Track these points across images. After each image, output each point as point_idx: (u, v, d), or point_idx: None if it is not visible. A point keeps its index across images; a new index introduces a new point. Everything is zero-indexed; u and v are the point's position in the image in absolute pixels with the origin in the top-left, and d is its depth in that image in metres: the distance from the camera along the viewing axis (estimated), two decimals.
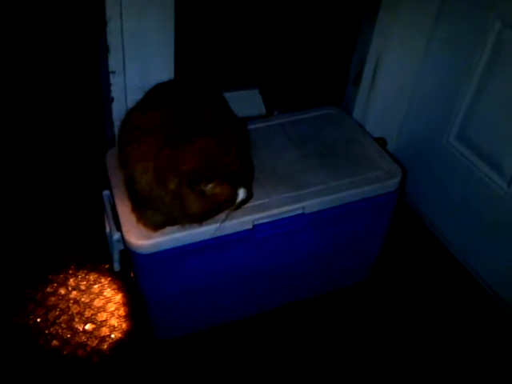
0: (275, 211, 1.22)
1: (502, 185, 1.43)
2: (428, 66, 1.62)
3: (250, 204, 1.21)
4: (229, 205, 1.11)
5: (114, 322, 1.40)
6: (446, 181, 1.63)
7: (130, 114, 1.19)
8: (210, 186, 1.05)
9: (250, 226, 1.20)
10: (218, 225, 1.15)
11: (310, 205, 1.24)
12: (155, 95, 1.24)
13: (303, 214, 1.24)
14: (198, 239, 1.17)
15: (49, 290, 1.46)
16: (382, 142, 1.63)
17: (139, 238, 1.14)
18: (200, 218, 1.12)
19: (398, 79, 1.65)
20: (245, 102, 1.44)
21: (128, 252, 1.23)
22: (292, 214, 1.24)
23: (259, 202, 1.22)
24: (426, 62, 1.62)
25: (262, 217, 1.21)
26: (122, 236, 1.20)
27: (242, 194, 1.10)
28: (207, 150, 1.07)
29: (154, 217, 1.15)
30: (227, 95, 1.32)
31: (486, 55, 1.42)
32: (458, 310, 1.50)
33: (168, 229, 1.15)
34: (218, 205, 1.09)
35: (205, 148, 1.07)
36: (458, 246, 1.64)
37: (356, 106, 1.69)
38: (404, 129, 1.78)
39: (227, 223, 1.17)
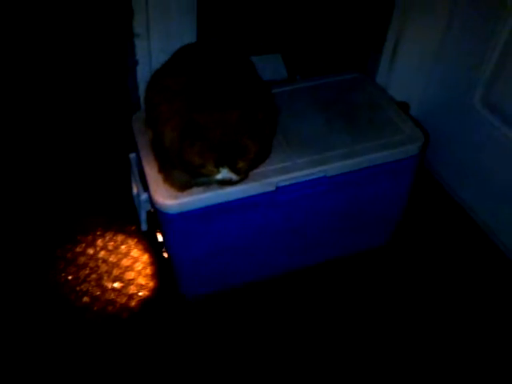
0: (298, 174, 1.24)
1: None
2: (452, 30, 1.60)
3: (273, 166, 1.24)
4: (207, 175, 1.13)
5: (141, 280, 1.46)
6: (469, 146, 1.63)
7: (158, 75, 1.22)
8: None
9: (273, 188, 1.23)
10: (242, 186, 1.18)
11: (332, 168, 1.26)
12: (183, 57, 1.26)
13: (325, 176, 1.26)
14: (223, 200, 1.20)
15: (78, 249, 1.51)
16: (405, 106, 1.63)
17: (166, 198, 1.18)
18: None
19: (421, 43, 1.63)
20: (267, 67, 1.45)
21: (155, 212, 1.27)
22: (314, 176, 1.25)
23: (282, 164, 1.24)
24: (449, 25, 1.60)
25: (284, 179, 1.23)
26: (150, 196, 1.24)
27: (223, 174, 1.12)
28: (227, 121, 1.08)
29: (180, 177, 1.18)
30: (251, 59, 1.33)
31: None
32: (478, 275, 1.52)
33: (194, 189, 1.18)
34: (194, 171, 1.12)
35: (225, 118, 1.08)
36: (479, 211, 1.64)
37: (379, 70, 1.68)
38: (427, 93, 1.76)
39: (251, 185, 1.20)
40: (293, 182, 1.24)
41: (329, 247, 1.48)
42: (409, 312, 1.42)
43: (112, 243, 1.54)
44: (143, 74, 1.41)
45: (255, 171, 1.21)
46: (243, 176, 1.16)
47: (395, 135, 1.33)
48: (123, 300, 1.41)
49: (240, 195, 1.21)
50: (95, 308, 1.39)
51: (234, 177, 1.13)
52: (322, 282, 1.47)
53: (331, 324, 1.39)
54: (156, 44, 1.37)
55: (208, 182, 1.18)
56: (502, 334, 1.39)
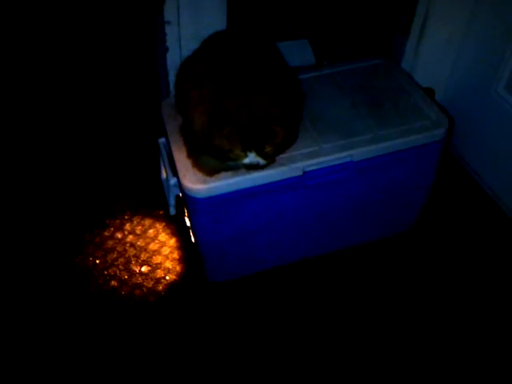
0: (324, 158, 1.25)
1: None
2: (478, 17, 1.59)
3: (299, 151, 1.25)
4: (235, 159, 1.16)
5: (168, 264, 1.48)
6: (494, 132, 1.62)
7: (189, 61, 1.24)
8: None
9: (301, 173, 1.24)
10: (269, 171, 1.20)
11: (359, 153, 1.27)
12: (214, 44, 1.28)
13: (351, 161, 1.27)
14: (250, 184, 1.22)
15: (106, 233, 1.54)
16: (430, 91, 1.62)
17: (195, 183, 1.20)
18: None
19: (447, 29, 1.63)
20: (295, 53, 1.46)
21: (184, 197, 1.29)
22: (341, 161, 1.26)
23: (309, 149, 1.26)
24: (475, 11, 1.60)
25: (311, 164, 1.24)
26: (179, 181, 1.25)
27: (250, 158, 1.14)
28: (255, 106, 1.10)
29: (209, 162, 1.20)
30: (278, 45, 1.34)
31: None
32: (501, 261, 1.52)
33: (222, 174, 1.20)
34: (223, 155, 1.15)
35: (253, 103, 1.10)
36: (504, 197, 1.64)
37: (405, 56, 1.68)
38: (453, 79, 1.76)
39: (278, 169, 1.21)
40: (319, 166, 1.25)
41: (354, 233, 1.49)
42: (433, 299, 1.43)
43: (140, 227, 1.56)
44: (173, 60, 1.42)
45: (282, 156, 1.23)
46: (270, 160, 1.18)
47: (420, 120, 1.33)
48: (150, 284, 1.44)
49: (267, 180, 1.22)
50: (123, 292, 1.41)
51: (261, 161, 1.15)
52: (346, 268, 1.48)
53: (357, 309, 1.40)
54: (186, 31, 1.38)
55: (236, 167, 1.19)
56: None
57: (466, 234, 1.58)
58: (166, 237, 1.54)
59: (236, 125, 1.09)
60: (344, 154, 1.26)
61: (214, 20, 1.39)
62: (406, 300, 1.42)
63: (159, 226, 1.57)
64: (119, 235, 1.54)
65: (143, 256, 1.49)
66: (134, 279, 1.44)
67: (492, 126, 1.63)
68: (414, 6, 1.58)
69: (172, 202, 1.43)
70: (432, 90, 1.67)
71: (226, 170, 1.20)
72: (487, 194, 1.68)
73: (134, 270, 1.46)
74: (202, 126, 1.16)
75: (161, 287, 1.43)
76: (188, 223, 1.45)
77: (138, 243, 1.52)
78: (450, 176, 1.73)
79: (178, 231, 1.55)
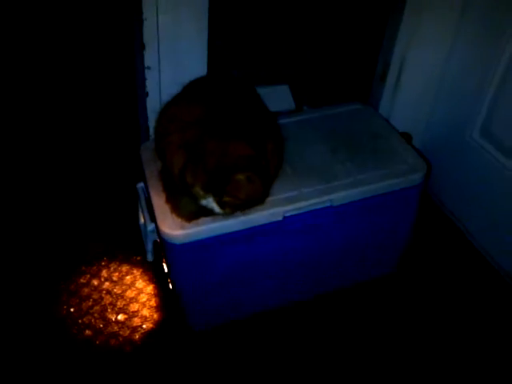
0: (304, 203, 1.25)
1: None
2: (452, 64, 1.65)
3: (279, 196, 1.25)
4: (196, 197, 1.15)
5: (145, 312, 1.44)
6: (470, 175, 1.65)
7: (170, 106, 1.24)
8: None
9: (280, 218, 1.23)
10: (249, 216, 1.19)
11: (338, 197, 1.27)
12: (194, 89, 1.28)
13: (331, 206, 1.27)
14: (230, 230, 1.20)
15: (82, 280, 1.50)
16: (407, 136, 1.65)
17: (173, 228, 1.18)
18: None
19: (423, 76, 1.68)
20: (275, 98, 1.48)
21: (162, 243, 1.27)
22: (321, 206, 1.26)
23: (289, 194, 1.25)
24: (450, 59, 1.65)
25: (291, 209, 1.24)
26: (157, 226, 1.24)
27: (207, 201, 1.14)
28: (228, 153, 1.10)
29: (188, 207, 1.19)
30: (259, 90, 1.36)
31: (507, 54, 1.44)
32: (481, 302, 1.52)
33: (201, 219, 1.18)
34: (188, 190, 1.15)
35: (226, 149, 1.10)
36: (481, 239, 1.65)
37: (382, 101, 1.71)
38: (429, 124, 1.80)
39: (258, 214, 1.20)
40: (300, 211, 1.25)
41: (335, 276, 1.48)
42: (414, 340, 1.41)
43: (117, 274, 1.52)
44: (153, 105, 1.43)
45: None
46: (228, 211, 1.16)
47: (398, 165, 1.35)
48: (127, 333, 1.39)
49: (247, 225, 1.21)
50: (97, 342, 1.36)
51: (216, 208, 1.14)
52: (329, 312, 1.46)
53: (338, 354, 1.37)
54: (166, 76, 1.40)
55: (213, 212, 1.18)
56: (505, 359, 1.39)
57: (444, 274, 1.59)
58: (144, 283, 1.51)
59: (204, 164, 1.09)
60: (324, 198, 1.26)
61: (195, 66, 1.40)
62: (388, 342, 1.41)
63: (136, 272, 1.53)
64: (95, 282, 1.50)
65: (120, 304, 1.45)
66: (109, 328, 1.40)
67: (468, 171, 1.65)
68: (391, 54, 1.62)
69: (150, 248, 1.41)
70: (409, 135, 1.69)
71: (206, 215, 1.19)
72: (465, 235, 1.70)
73: (109, 319, 1.42)
74: (180, 168, 1.15)
75: (137, 336, 1.39)
76: (166, 269, 1.42)
77: (115, 290, 1.48)
78: (429, 219, 1.74)
79: (156, 278, 1.52)
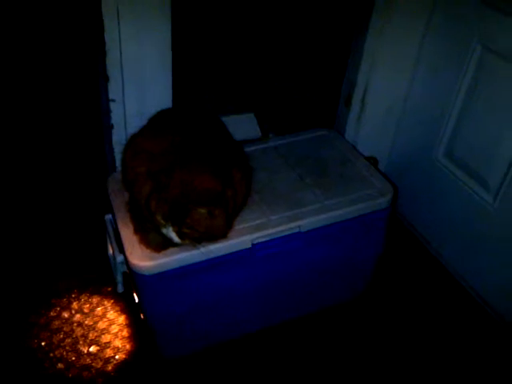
0: (273, 230, 1.26)
1: (488, 199, 1.49)
2: (415, 87, 1.69)
3: (248, 224, 1.26)
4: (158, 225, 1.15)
5: (117, 343, 1.43)
6: (436, 197, 1.68)
7: (137, 138, 1.25)
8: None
9: (249, 246, 1.24)
10: (217, 245, 1.19)
11: (306, 223, 1.29)
12: (160, 121, 1.30)
13: (300, 232, 1.28)
14: (199, 259, 1.20)
15: (52, 313, 1.48)
16: (373, 161, 1.68)
17: (142, 260, 1.18)
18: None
19: (386, 101, 1.71)
20: (241, 126, 1.49)
21: (131, 273, 1.27)
22: (289, 232, 1.28)
23: (257, 221, 1.27)
24: (413, 83, 1.69)
25: (260, 236, 1.25)
26: (125, 258, 1.23)
27: (167, 230, 1.14)
28: (190, 185, 1.10)
29: (156, 238, 1.19)
30: (224, 119, 1.37)
31: (469, 76, 1.49)
32: (450, 321, 1.54)
33: (170, 250, 1.19)
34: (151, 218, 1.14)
35: (190, 182, 1.11)
36: (449, 259, 1.68)
37: (348, 126, 1.74)
38: (394, 148, 1.83)
39: (227, 243, 1.21)
40: (268, 238, 1.26)
41: (305, 301, 1.49)
42: (384, 362, 1.42)
43: (87, 305, 1.51)
44: (119, 137, 1.43)
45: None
46: (188, 243, 1.16)
47: (365, 189, 1.37)
48: (99, 364, 1.38)
49: (216, 254, 1.21)
50: (70, 375, 1.35)
51: (175, 238, 1.14)
52: (298, 337, 1.47)
53: (311, 378, 1.38)
54: (131, 109, 1.40)
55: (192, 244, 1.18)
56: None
57: (414, 297, 1.60)
58: (115, 314, 1.50)
59: (167, 193, 1.09)
60: (292, 224, 1.27)
61: (160, 97, 1.41)
62: (358, 365, 1.41)
63: (107, 303, 1.52)
64: (66, 314, 1.48)
65: (91, 335, 1.44)
66: (81, 360, 1.38)
67: (434, 191, 1.68)
68: (355, 79, 1.65)
69: (119, 279, 1.40)
70: (375, 159, 1.72)
71: (174, 245, 1.19)
72: (433, 256, 1.72)
73: (81, 351, 1.40)
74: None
75: (110, 367, 1.37)
76: (137, 300, 1.41)
77: (86, 322, 1.47)
78: (397, 241, 1.76)
79: (127, 308, 1.51)
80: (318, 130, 1.56)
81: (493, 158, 1.45)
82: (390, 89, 1.69)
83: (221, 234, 1.19)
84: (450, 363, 1.43)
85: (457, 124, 1.55)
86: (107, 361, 1.39)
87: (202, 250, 1.18)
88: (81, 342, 1.42)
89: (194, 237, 1.14)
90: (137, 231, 1.23)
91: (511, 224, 1.44)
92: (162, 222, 1.12)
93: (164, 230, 1.14)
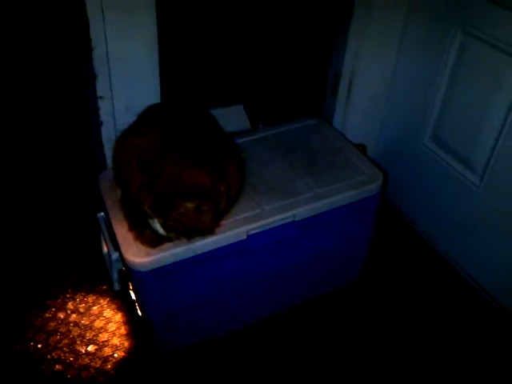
0: (267, 221, 1.26)
1: (475, 180, 1.51)
2: (399, 74, 1.70)
3: (242, 215, 1.27)
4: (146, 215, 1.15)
5: (115, 341, 1.42)
6: (424, 181, 1.71)
7: (128, 134, 1.24)
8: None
9: (245, 237, 1.25)
10: (213, 237, 1.19)
11: (300, 212, 1.29)
12: (151, 116, 1.29)
13: (294, 221, 1.29)
14: (194, 253, 1.20)
15: (47, 315, 1.47)
16: (362, 148, 1.69)
17: (138, 256, 1.17)
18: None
19: (372, 88, 1.73)
20: (230, 118, 1.49)
21: (127, 271, 1.26)
22: (283, 222, 1.28)
23: (251, 212, 1.27)
24: (397, 70, 1.71)
25: (255, 227, 1.25)
26: (121, 255, 1.23)
27: (153, 221, 1.14)
28: (178, 178, 1.10)
29: (151, 234, 1.18)
30: (213, 112, 1.37)
31: (451, 61, 1.50)
32: (443, 305, 1.56)
33: (165, 245, 1.19)
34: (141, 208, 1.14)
35: (178, 175, 1.10)
36: (439, 241, 1.71)
37: (335, 115, 1.75)
38: (382, 134, 1.85)
39: (222, 235, 1.21)
40: (263, 229, 1.27)
41: (301, 290, 1.50)
42: (380, 349, 1.44)
43: (83, 305, 1.50)
44: (108, 133, 1.43)
45: (225, 221, 1.23)
46: (172, 236, 1.17)
47: (356, 176, 1.38)
48: (98, 364, 1.37)
49: (212, 247, 1.22)
50: (69, 376, 1.34)
51: (160, 230, 1.15)
52: (295, 325, 1.48)
53: (309, 365, 1.39)
54: (120, 105, 1.40)
55: (177, 237, 1.19)
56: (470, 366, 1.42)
57: (407, 281, 1.63)
58: (112, 312, 1.49)
59: (155, 185, 1.09)
60: (286, 214, 1.28)
61: (148, 92, 1.41)
62: (355, 351, 1.43)
63: (103, 301, 1.51)
64: (61, 315, 1.47)
65: (89, 335, 1.43)
66: (80, 360, 1.38)
67: (422, 176, 1.71)
68: (341, 66, 1.66)
69: (116, 277, 1.39)
70: (364, 146, 1.74)
71: (169, 240, 1.19)
72: (423, 238, 1.75)
73: (79, 351, 1.40)
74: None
75: (109, 366, 1.37)
76: (133, 296, 1.41)
77: (83, 322, 1.46)
78: (388, 226, 1.78)
79: (124, 305, 1.50)
80: (307, 119, 1.57)
81: (477, 141, 1.47)
82: (375, 77, 1.70)
83: (208, 230, 1.18)
84: (442, 345, 1.46)
85: (441, 109, 1.57)
86: (106, 359, 1.38)
87: (192, 246, 1.18)
88: (78, 342, 1.41)
89: (179, 230, 1.14)
90: (131, 228, 1.23)
91: (497, 204, 1.47)
92: (149, 212, 1.12)
93: (150, 221, 1.14)
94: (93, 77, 1.33)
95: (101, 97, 1.37)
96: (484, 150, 1.46)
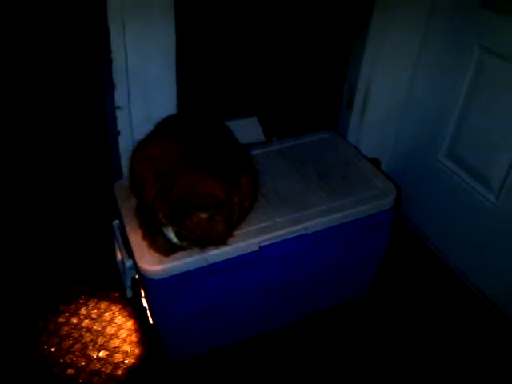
0: (279, 233, 1.27)
1: (491, 198, 1.51)
2: (416, 89, 1.71)
3: (255, 227, 1.27)
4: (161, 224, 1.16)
5: (126, 347, 1.44)
6: (439, 197, 1.70)
7: (144, 144, 1.26)
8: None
9: (257, 248, 1.26)
10: (226, 248, 1.21)
11: (312, 225, 1.30)
12: (167, 127, 1.32)
13: (306, 234, 1.30)
14: (207, 263, 1.21)
15: (61, 319, 1.49)
16: (376, 162, 1.70)
17: (152, 264, 1.19)
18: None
19: (388, 102, 1.73)
20: (244, 130, 1.50)
21: (140, 278, 1.28)
22: (295, 234, 1.29)
23: (264, 224, 1.28)
24: (413, 84, 1.71)
25: (267, 238, 1.26)
26: (135, 263, 1.25)
27: (167, 230, 1.15)
28: (192, 188, 1.12)
29: (165, 242, 1.20)
30: (228, 124, 1.39)
31: (468, 77, 1.50)
32: (455, 321, 1.55)
33: (179, 254, 1.20)
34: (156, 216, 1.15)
35: (193, 185, 1.12)
36: (453, 258, 1.70)
37: (350, 129, 1.76)
38: (396, 149, 1.85)
39: (234, 246, 1.22)
40: (275, 240, 1.27)
41: (312, 302, 1.50)
42: (390, 361, 1.44)
43: (95, 311, 1.52)
44: (125, 143, 1.45)
45: (238, 232, 1.24)
46: (185, 244, 1.17)
47: (369, 190, 1.39)
48: (109, 369, 1.39)
49: (224, 257, 1.23)
50: (80, 380, 1.36)
51: (174, 239, 1.16)
52: (305, 337, 1.48)
53: (318, 377, 1.39)
54: (137, 115, 1.42)
55: (190, 246, 1.20)
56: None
57: (419, 296, 1.62)
58: (123, 319, 1.51)
59: (170, 194, 1.11)
60: (298, 227, 1.29)
61: (165, 103, 1.43)
62: (365, 364, 1.42)
63: (115, 308, 1.53)
64: (74, 320, 1.49)
65: (100, 340, 1.45)
66: (91, 365, 1.39)
67: (436, 191, 1.70)
68: (356, 80, 1.67)
69: (129, 284, 1.41)
70: (378, 160, 1.74)
71: (183, 249, 1.20)
72: (437, 255, 1.74)
73: (91, 356, 1.41)
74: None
75: (120, 372, 1.38)
76: (145, 304, 1.42)
77: (95, 327, 1.48)
78: (401, 241, 1.78)
79: (135, 313, 1.52)
80: (321, 133, 1.58)
81: (495, 158, 1.47)
82: (391, 90, 1.71)
83: (220, 240, 1.19)
84: (454, 360, 1.45)
85: (458, 124, 1.57)
86: (117, 365, 1.40)
87: (205, 255, 1.19)
88: (90, 348, 1.43)
89: (192, 239, 1.15)
90: (146, 236, 1.24)
91: None
92: (164, 221, 1.14)
93: (164, 229, 1.16)
94: (112, 87, 1.35)
95: (119, 107, 1.39)
96: (501, 168, 1.45)
